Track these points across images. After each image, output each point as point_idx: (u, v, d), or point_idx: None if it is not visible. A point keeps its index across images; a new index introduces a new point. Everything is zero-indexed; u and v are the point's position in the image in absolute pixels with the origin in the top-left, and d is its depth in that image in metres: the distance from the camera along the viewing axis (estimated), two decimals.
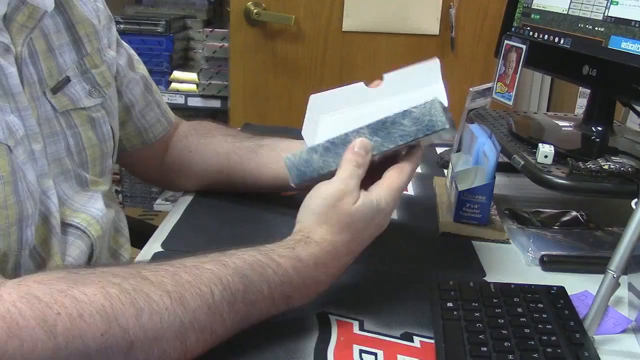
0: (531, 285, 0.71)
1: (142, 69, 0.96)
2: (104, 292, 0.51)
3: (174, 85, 2.22)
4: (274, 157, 0.92)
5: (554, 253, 0.84)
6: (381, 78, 0.81)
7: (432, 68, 0.76)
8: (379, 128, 0.69)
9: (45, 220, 0.71)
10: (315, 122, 0.81)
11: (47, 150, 0.72)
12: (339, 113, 0.81)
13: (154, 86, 0.97)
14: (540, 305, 0.66)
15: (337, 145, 0.70)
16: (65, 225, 0.74)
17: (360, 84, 0.81)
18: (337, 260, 0.66)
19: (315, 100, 0.81)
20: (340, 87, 0.81)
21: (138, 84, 0.93)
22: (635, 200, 0.68)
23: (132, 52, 0.95)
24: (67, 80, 0.76)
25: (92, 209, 0.78)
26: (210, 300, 0.56)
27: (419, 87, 0.76)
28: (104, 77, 0.82)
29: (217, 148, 0.96)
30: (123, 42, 0.93)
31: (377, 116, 0.71)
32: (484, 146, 0.92)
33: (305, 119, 0.79)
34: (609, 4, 0.91)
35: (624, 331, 0.67)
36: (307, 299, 0.65)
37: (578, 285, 0.75)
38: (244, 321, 0.60)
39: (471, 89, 1.04)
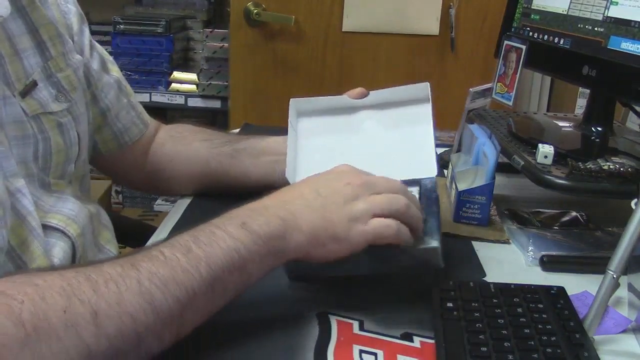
0: (531, 285, 0.71)
1: (116, 71, 0.95)
2: (61, 276, 0.52)
3: (174, 85, 2.22)
4: (255, 163, 0.93)
5: (554, 253, 0.84)
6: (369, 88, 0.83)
7: (421, 90, 0.78)
8: (377, 254, 0.69)
9: (22, 220, 0.70)
10: (295, 126, 0.81)
11: (13, 152, 0.71)
12: (321, 121, 0.82)
13: (128, 88, 0.97)
14: (540, 306, 0.66)
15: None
16: (43, 227, 0.74)
17: (344, 96, 0.82)
18: (280, 191, 0.68)
19: (295, 104, 0.81)
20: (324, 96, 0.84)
21: (112, 88, 0.93)
22: (635, 200, 0.68)
23: (106, 54, 0.95)
24: (34, 84, 0.76)
25: (65, 209, 0.78)
26: (161, 258, 0.56)
27: (405, 106, 0.79)
28: (69, 81, 0.81)
29: (196, 156, 0.97)
30: (96, 44, 0.92)
31: (363, 152, 0.74)
32: (484, 146, 0.92)
33: (289, 123, 0.79)
34: (608, 4, 0.91)
35: (624, 331, 0.67)
36: (270, 223, 0.62)
37: (578, 285, 0.75)
38: (212, 266, 0.57)
39: (471, 89, 1.04)
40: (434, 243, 0.69)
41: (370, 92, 0.83)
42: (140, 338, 0.53)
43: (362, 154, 0.73)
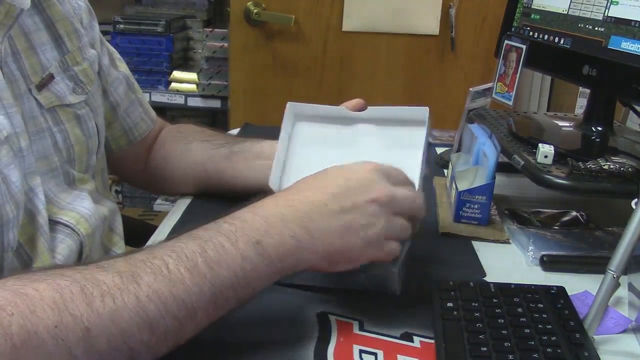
0: (531, 285, 0.71)
1: (124, 67, 0.96)
2: (54, 285, 0.50)
3: (174, 85, 2.22)
4: (245, 166, 0.92)
5: (554, 253, 0.84)
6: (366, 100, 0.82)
7: (420, 113, 0.76)
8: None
9: (32, 218, 0.71)
10: (289, 130, 0.80)
11: (32, 148, 0.72)
12: (318, 129, 0.81)
13: (136, 85, 0.98)
14: (540, 305, 0.66)
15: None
16: (53, 223, 0.74)
17: (342, 107, 0.82)
18: (300, 193, 0.63)
19: (293, 108, 0.81)
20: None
21: (122, 83, 0.94)
22: (635, 200, 0.68)
23: (114, 50, 0.96)
24: (51, 77, 0.77)
25: (80, 207, 0.78)
26: (165, 271, 0.53)
27: (401, 126, 0.77)
28: (86, 74, 0.82)
29: (193, 157, 0.96)
30: (105, 40, 0.94)
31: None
32: (484, 146, 0.92)
33: (282, 127, 0.79)
34: (609, 4, 0.91)
35: (624, 331, 0.67)
36: (285, 244, 0.59)
37: (578, 285, 0.75)
38: (216, 285, 0.55)
39: (471, 89, 1.04)
40: (394, 268, 0.69)
41: (369, 107, 0.82)
42: (133, 352, 0.51)
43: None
